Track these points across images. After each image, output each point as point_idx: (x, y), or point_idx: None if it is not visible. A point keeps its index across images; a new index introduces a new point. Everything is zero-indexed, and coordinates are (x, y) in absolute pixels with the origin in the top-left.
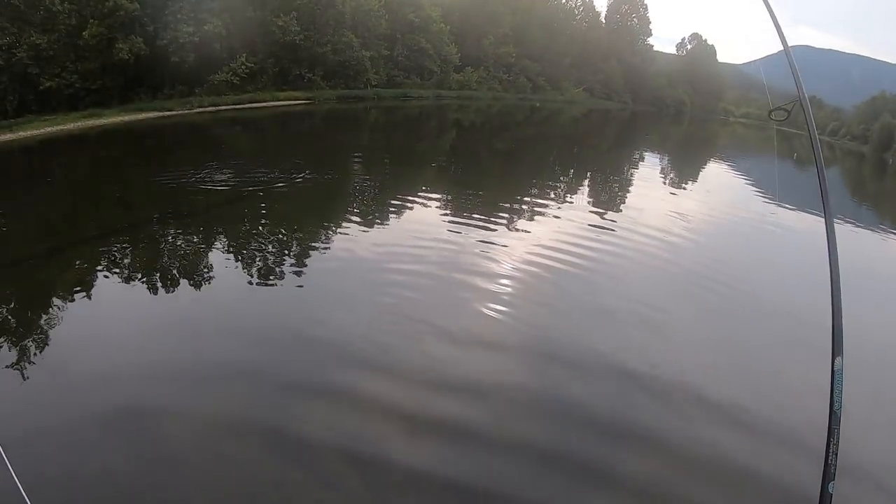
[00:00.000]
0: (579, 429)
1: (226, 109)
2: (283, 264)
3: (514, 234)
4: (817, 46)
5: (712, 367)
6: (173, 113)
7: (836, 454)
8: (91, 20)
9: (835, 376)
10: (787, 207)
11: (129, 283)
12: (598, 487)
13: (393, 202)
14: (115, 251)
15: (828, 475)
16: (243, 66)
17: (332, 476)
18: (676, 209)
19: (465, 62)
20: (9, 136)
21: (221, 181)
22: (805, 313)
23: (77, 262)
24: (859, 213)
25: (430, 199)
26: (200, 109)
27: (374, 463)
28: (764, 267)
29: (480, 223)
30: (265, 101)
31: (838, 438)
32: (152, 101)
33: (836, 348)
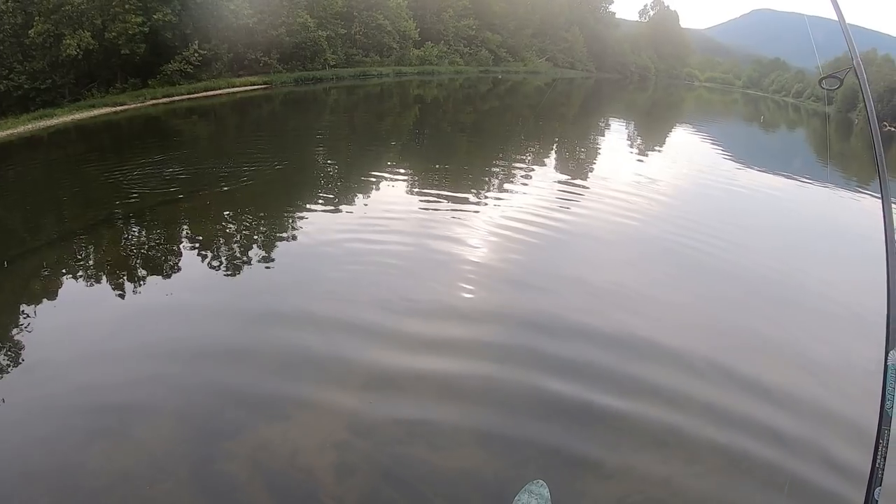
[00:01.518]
0: (552, 390)
1: (180, 100)
2: (252, 252)
3: (483, 206)
4: (779, 10)
5: (696, 328)
6: (126, 107)
7: (885, 457)
8: (37, 17)
9: (888, 371)
10: (756, 169)
11: (96, 285)
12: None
13: (359, 182)
14: (78, 254)
15: (874, 480)
16: (196, 54)
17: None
18: (644, 174)
19: (425, 37)
20: None
21: (181, 172)
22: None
23: (40, 268)
24: (823, 173)
25: (397, 176)
26: (154, 101)
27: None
28: (736, 228)
29: (449, 197)
30: (221, 89)
31: (888, 440)
32: (104, 97)
33: (893, 340)
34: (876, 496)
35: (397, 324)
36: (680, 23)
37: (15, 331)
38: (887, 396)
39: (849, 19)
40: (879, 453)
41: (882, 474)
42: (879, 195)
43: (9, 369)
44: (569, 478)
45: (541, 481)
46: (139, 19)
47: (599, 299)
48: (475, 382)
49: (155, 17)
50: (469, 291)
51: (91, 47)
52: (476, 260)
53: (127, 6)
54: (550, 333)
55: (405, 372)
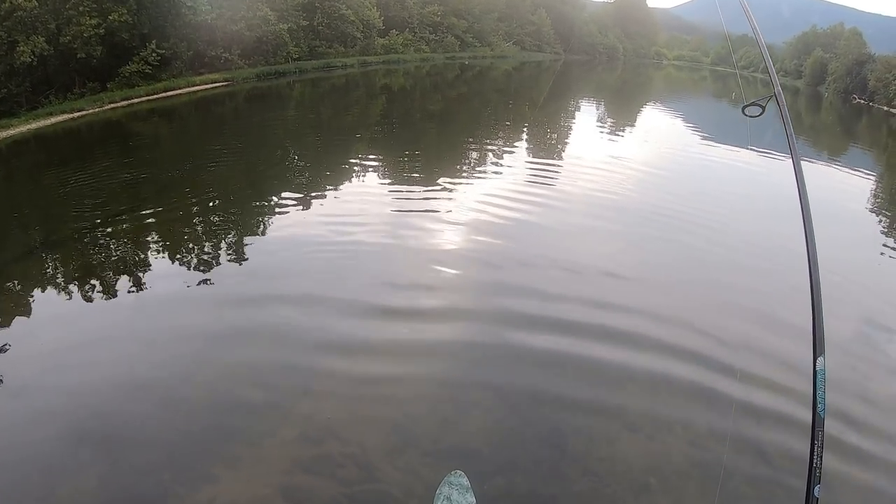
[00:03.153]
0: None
1: (139, 101)
2: (225, 251)
3: (455, 191)
4: None
5: (655, 287)
6: (84, 112)
7: (821, 457)
8: None
9: (817, 377)
10: (722, 145)
11: (69, 296)
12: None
13: (329, 175)
14: (47, 267)
15: (813, 479)
16: (154, 54)
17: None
18: (615, 153)
19: (390, 26)
20: None
21: (143, 176)
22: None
23: (7, 284)
24: (798, 146)
25: (367, 167)
26: (113, 105)
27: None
28: (708, 199)
29: (420, 185)
30: (181, 88)
31: (823, 441)
32: (62, 104)
33: (818, 348)
34: (816, 493)
35: (375, 298)
36: (647, 2)
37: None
38: (818, 401)
39: None
40: (815, 453)
41: (820, 473)
42: (800, 207)
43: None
44: (532, 407)
45: (459, 472)
46: (94, 21)
47: (565, 269)
48: (444, 339)
49: (110, 17)
50: (441, 268)
51: (46, 53)
52: (448, 241)
53: (81, 8)
54: (516, 296)
55: (383, 336)
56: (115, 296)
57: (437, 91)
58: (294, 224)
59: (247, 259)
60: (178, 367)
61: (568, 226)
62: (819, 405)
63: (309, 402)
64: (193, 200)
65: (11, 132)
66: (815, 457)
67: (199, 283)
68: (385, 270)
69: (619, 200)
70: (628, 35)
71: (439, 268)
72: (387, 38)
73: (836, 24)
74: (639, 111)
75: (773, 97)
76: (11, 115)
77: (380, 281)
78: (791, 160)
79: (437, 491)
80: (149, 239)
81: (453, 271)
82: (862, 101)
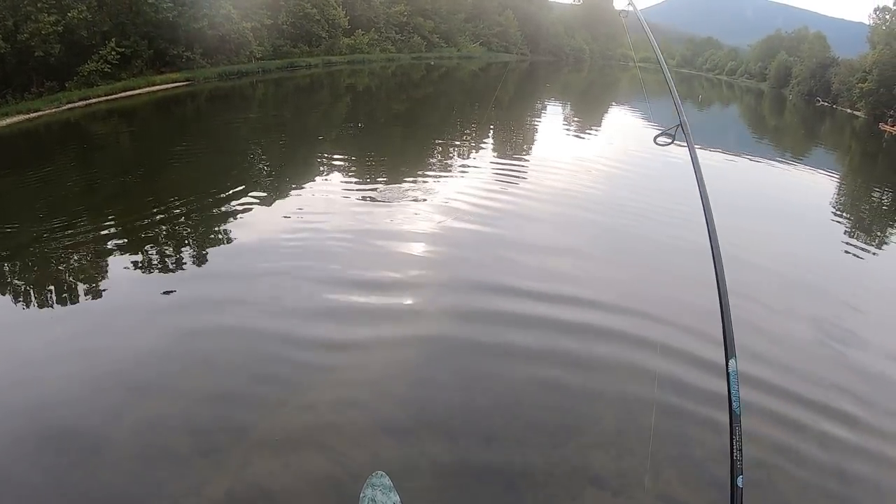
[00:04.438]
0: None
1: (97, 102)
2: (189, 253)
3: (420, 192)
4: None
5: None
6: (41, 113)
7: (741, 450)
8: None
9: (730, 377)
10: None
11: (27, 303)
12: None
13: (293, 175)
14: (3, 273)
15: (735, 471)
16: (113, 52)
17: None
18: (580, 155)
19: (355, 25)
20: None
21: (104, 178)
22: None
23: None
24: (758, 147)
25: (332, 167)
26: (70, 105)
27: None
28: (666, 199)
29: (386, 185)
30: (141, 88)
31: (741, 435)
32: (18, 104)
33: (729, 350)
34: (739, 484)
35: (342, 294)
36: (614, 4)
37: None
38: (733, 399)
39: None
40: (735, 447)
41: (741, 465)
42: (706, 225)
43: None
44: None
45: (381, 472)
46: (53, 18)
47: (524, 266)
48: (408, 334)
49: (69, 14)
50: (405, 265)
51: (3, 50)
52: (414, 238)
53: (39, 5)
54: (476, 290)
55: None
56: (75, 301)
57: (403, 91)
58: (257, 224)
59: (209, 260)
60: (145, 369)
61: (526, 227)
62: (734, 403)
63: (281, 393)
64: (155, 202)
65: None
66: (734, 450)
67: (161, 285)
68: (349, 267)
69: (583, 202)
70: (595, 37)
71: (404, 263)
72: (352, 37)
73: (801, 28)
74: (604, 112)
75: (679, 126)
76: None
77: (343, 278)
78: (696, 184)
79: (361, 494)
80: (109, 244)
81: (417, 268)
82: (825, 104)
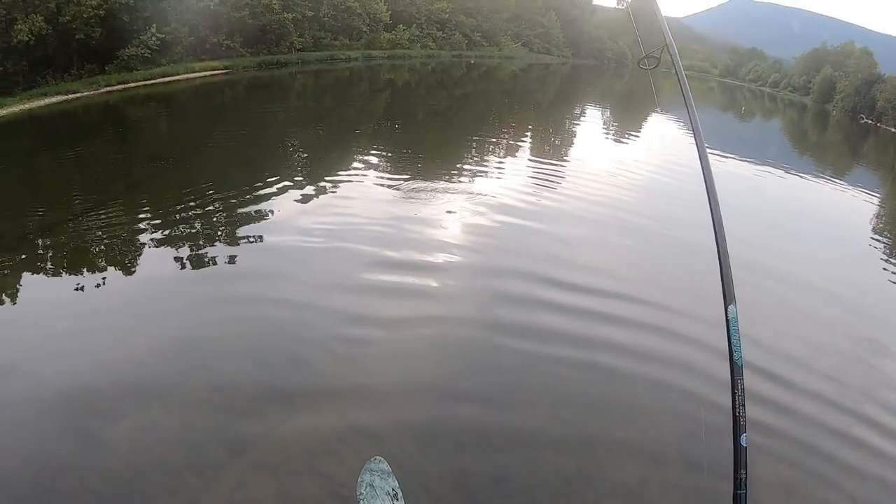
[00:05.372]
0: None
1: (136, 86)
2: (222, 238)
3: (455, 188)
4: (757, 0)
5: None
6: (79, 95)
7: (744, 405)
8: None
9: (730, 325)
10: (731, 157)
11: (61, 280)
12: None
13: (329, 167)
14: (39, 250)
15: (738, 428)
16: (154, 38)
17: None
18: (618, 160)
19: (397, 20)
20: None
21: (139, 160)
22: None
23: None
24: (799, 162)
25: (368, 161)
26: (109, 88)
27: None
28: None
29: (421, 181)
30: (179, 74)
31: (743, 389)
32: (58, 85)
33: (728, 296)
34: (743, 442)
35: (377, 276)
36: (659, 9)
37: None
38: (734, 348)
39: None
40: (738, 402)
41: (744, 421)
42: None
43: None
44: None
45: (378, 458)
46: (95, 2)
47: (555, 259)
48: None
49: None
50: (437, 253)
51: (45, 32)
52: (446, 233)
53: None
54: (504, 279)
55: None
56: (107, 280)
57: (443, 89)
58: (290, 212)
59: (242, 246)
60: (177, 349)
61: (564, 224)
62: (735, 353)
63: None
64: (189, 187)
65: (3, 111)
66: (737, 405)
67: (194, 269)
68: (381, 258)
69: (616, 204)
70: (639, 45)
71: (436, 251)
72: (393, 32)
73: (847, 43)
74: (644, 119)
75: (665, 47)
76: (7, 94)
77: (375, 268)
78: (687, 113)
79: (359, 479)
80: (141, 225)
81: (448, 261)
82: (869, 122)
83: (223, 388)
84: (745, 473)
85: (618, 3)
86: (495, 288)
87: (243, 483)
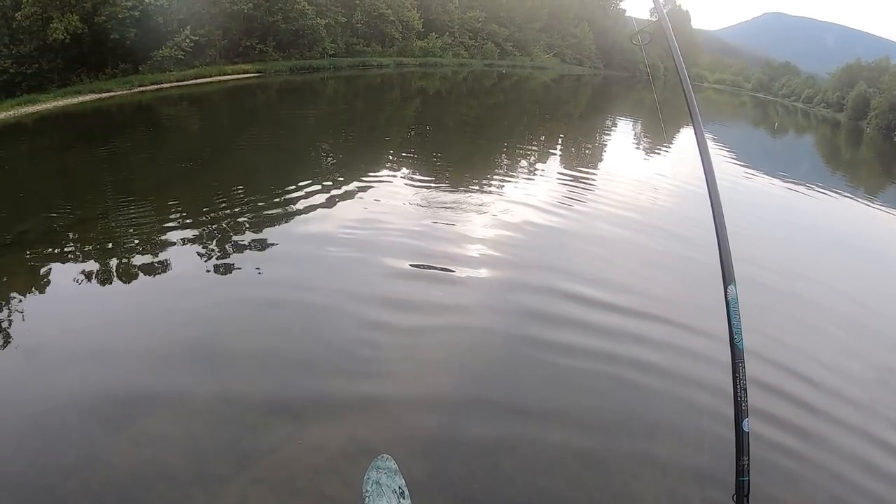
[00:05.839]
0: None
1: (169, 87)
2: (249, 238)
3: (485, 197)
4: (791, 13)
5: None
6: (113, 94)
7: (745, 389)
8: None
9: (730, 306)
10: (760, 173)
11: (89, 274)
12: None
13: (358, 171)
14: (68, 244)
15: (740, 413)
16: (188, 40)
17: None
18: (648, 173)
19: (430, 28)
20: None
21: (169, 159)
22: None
23: (28, 258)
24: (832, 179)
25: (399, 166)
26: (142, 88)
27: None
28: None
29: (451, 188)
30: (211, 76)
31: (744, 373)
32: (92, 83)
33: (728, 276)
34: (745, 428)
35: (399, 286)
36: (691, 23)
37: (12, 319)
38: (734, 330)
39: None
40: (739, 386)
41: (746, 407)
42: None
43: (15, 356)
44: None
45: (386, 455)
46: (130, 3)
47: (581, 270)
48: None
49: (147, 0)
50: (465, 259)
51: (80, 31)
52: (474, 237)
53: None
54: (531, 285)
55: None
56: (129, 280)
57: (474, 97)
58: (317, 218)
59: (270, 247)
60: (191, 355)
61: (592, 236)
62: (736, 336)
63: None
64: (219, 188)
65: (38, 108)
66: (739, 390)
67: (217, 273)
68: (403, 270)
69: (646, 217)
70: (670, 55)
71: (464, 257)
72: (425, 40)
73: (882, 58)
74: (676, 133)
75: (659, 20)
76: (42, 91)
77: (398, 279)
78: (682, 90)
79: (366, 476)
80: (172, 223)
81: (472, 274)
82: None
83: (233, 398)
84: (748, 460)
85: (651, 15)
86: (520, 298)
87: (245, 499)
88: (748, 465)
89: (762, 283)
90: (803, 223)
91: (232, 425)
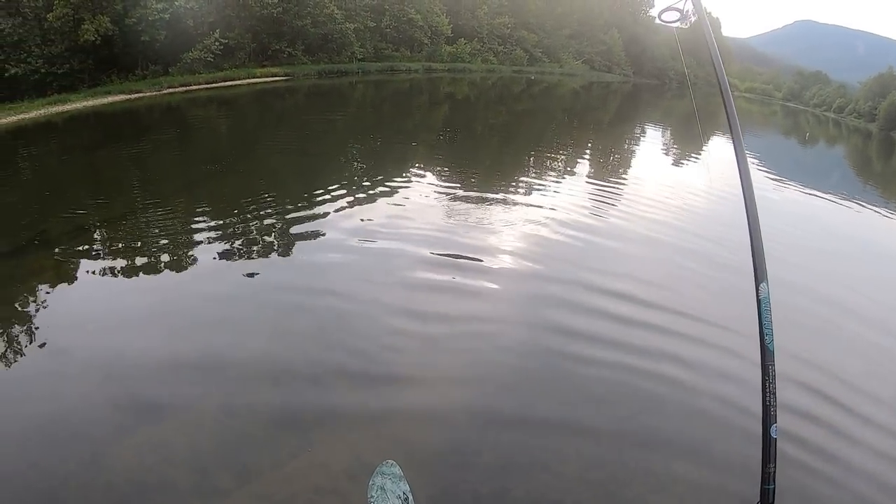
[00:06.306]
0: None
1: (197, 89)
2: (276, 240)
3: (511, 204)
4: (822, 21)
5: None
6: (142, 95)
7: (775, 393)
8: (56, 0)
9: (761, 305)
10: (790, 184)
11: (116, 272)
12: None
13: (386, 175)
14: (96, 242)
15: (769, 419)
16: (217, 43)
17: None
18: (676, 181)
19: (458, 33)
20: None
21: (197, 160)
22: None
23: (56, 254)
24: (863, 192)
25: (426, 171)
26: (171, 90)
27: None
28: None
29: (478, 194)
30: (241, 79)
31: (774, 376)
32: (121, 84)
33: (760, 274)
34: (773, 434)
35: (422, 295)
36: (722, 30)
37: (30, 318)
38: (765, 331)
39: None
40: (768, 390)
41: (775, 411)
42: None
43: (29, 356)
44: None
45: (390, 461)
46: (160, 5)
47: (608, 276)
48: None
49: (176, 3)
50: (491, 262)
51: (110, 33)
52: (502, 243)
53: None
54: (555, 290)
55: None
56: (156, 278)
57: (502, 104)
58: (346, 219)
59: (295, 252)
60: (199, 364)
61: (623, 242)
62: (766, 337)
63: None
64: (246, 190)
65: (68, 107)
66: (767, 394)
67: (246, 272)
68: (425, 280)
69: (675, 224)
70: (700, 62)
71: (491, 260)
72: (454, 45)
73: None
74: (706, 142)
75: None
76: (73, 91)
77: (424, 282)
78: (717, 79)
79: (370, 481)
80: (199, 225)
81: (501, 276)
82: None
83: (239, 410)
84: (774, 467)
85: (681, 23)
86: (546, 305)
87: None
88: (774, 472)
89: (794, 288)
90: (836, 233)
91: (237, 438)
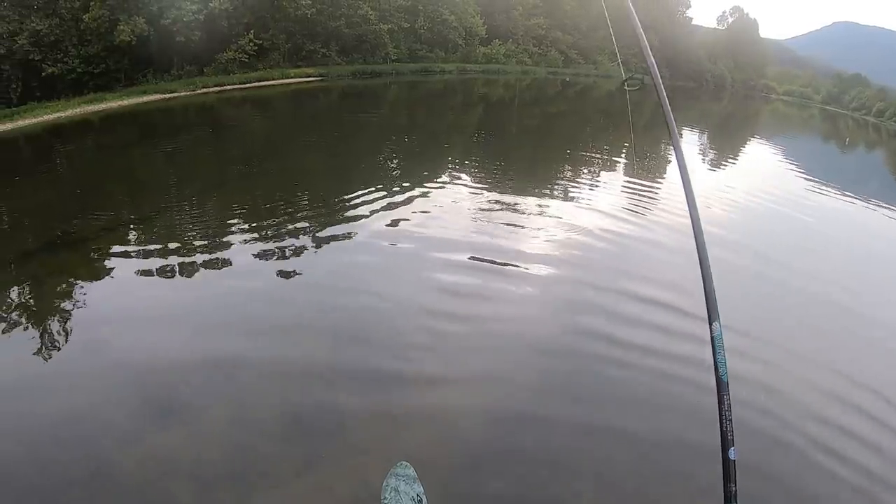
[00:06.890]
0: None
1: (231, 89)
2: (310, 240)
3: (545, 206)
4: (863, 23)
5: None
6: (177, 95)
7: (731, 420)
8: (92, 2)
9: (715, 342)
10: (828, 190)
11: (151, 269)
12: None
13: (420, 176)
14: (131, 239)
15: (726, 443)
16: (251, 44)
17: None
18: (713, 186)
19: (493, 35)
20: (8, 126)
21: (233, 158)
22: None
23: (91, 251)
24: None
25: (460, 172)
26: (205, 90)
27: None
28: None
29: (511, 196)
30: (275, 79)
31: (730, 404)
32: (157, 84)
33: (712, 314)
34: (732, 456)
35: (450, 302)
36: (759, 32)
37: (68, 312)
38: (719, 365)
39: None
40: (724, 417)
41: (732, 436)
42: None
43: (51, 353)
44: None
45: (405, 462)
46: (195, 7)
47: (640, 283)
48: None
49: (211, 4)
50: (525, 266)
51: (145, 34)
52: (534, 245)
53: None
54: (587, 293)
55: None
56: (186, 278)
57: (537, 105)
58: (380, 220)
59: (326, 252)
60: (212, 373)
61: (659, 244)
62: (720, 369)
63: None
64: (279, 190)
65: (104, 106)
66: (724, 421)
67: (277, 272)
68: (465, 271)
69: (711, 229)
70: (737, 65)
71: (524, 264)
72: (489, 46)
73: None
74: (743, 145)
75: (648, 69)
76: (108, 90)
77: (457, 284)
78: (669, 134)
79: (385, 483)
80: (233, 222)
81: (534, 278)
82: None
83: (247, 423)
84: (735, 487)
85: (718, 24)
86: (582, 308)
87: None
88: (735, 492)
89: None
90: (873, 240)
91: (243, 452)
